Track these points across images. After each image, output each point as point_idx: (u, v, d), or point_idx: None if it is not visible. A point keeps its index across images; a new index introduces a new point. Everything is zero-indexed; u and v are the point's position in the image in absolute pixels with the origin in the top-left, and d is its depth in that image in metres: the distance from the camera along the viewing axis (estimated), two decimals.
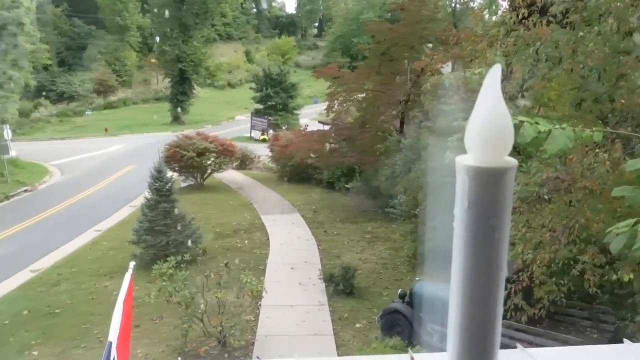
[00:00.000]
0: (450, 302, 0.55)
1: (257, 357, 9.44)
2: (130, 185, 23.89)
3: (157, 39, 49.14)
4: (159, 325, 10.64)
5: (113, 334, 3.62)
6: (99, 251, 16.43)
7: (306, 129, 26.21)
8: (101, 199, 23.22)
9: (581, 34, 6.07)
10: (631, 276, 6.14)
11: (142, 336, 10.31)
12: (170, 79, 49.24)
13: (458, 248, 0.54)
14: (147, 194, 15.15)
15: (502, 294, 0.54)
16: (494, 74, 0.53)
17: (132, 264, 4.64)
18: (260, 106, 42.09)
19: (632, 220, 2.96)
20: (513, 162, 0.53)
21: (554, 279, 7.39)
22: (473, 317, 0.53)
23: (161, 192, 14.64)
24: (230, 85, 66.91)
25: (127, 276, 4.24)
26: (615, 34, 5.54)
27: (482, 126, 0.52)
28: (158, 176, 14.75)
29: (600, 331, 9.40)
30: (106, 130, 43.41)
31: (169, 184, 14.99)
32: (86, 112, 51.44)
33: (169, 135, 29.07)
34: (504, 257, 0.53)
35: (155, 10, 47.91)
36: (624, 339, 1.93)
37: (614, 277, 6.68)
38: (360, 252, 15.31)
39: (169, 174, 16.98)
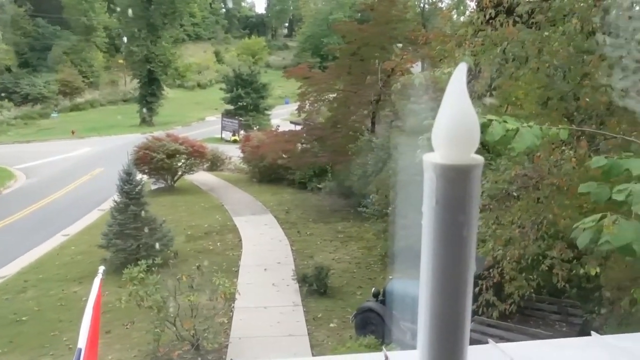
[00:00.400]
0: (419, 300, 0.56)
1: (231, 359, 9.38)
2: (99, 189, 23.45)
3: (125, 39, 48.36)
4: (130, 331, 10.46)
5: (82, 341, 3.54)
6: (67, 256, 16.09)
7: (278, 129, 26.11)
8: (69, 203, 22.74)
9: (546, 34, 6.19)
10: (598, 270, 6.29)
11: (114, 342, 10.13)
12: (138, 80, 48.48)
13: (426, 246, 0.54)
14: (116, 197, 14.92)
15: (471, 291, 0.55)
16: (460, 72, 0.54)
17: (101, 268, 4.56)
18: (230, 107, 41.82)
19: (597, 216, 3.03)
20: (480, 159, 0.53)
21: (523, 274, 7.52)
22: (442, 314, 0.54)
23: (131, 195, 14.43)
24: (200, 86, 66.30)
25: (97, 281, 4.16)
26: (579, 33, 5.67)
27: (449, 124, 0.53)
28: (127, 179, 14.54)
29: (569, 324, 9.62)
30: (73, 132, 42.48)
31: (139, 187, 14.79)
32: (52, 115, 50.30)
33: (138, 137, 28.64)
34: (473, 253, 0.54)
35: (122, 10, 47.12)
36: (592, 332, 1.97)
37: (581, 271, 6.82)
38: (334, 251, 15.34)
39: (139, 176, 16.74)
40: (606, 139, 5.88)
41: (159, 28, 47.64)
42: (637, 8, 4.16)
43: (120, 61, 57.21)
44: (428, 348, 0.55)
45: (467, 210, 0.52)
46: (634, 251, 2.84)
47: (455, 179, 0.52)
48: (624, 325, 6.28)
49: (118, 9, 47.98)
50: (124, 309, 9.71)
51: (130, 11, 43.24)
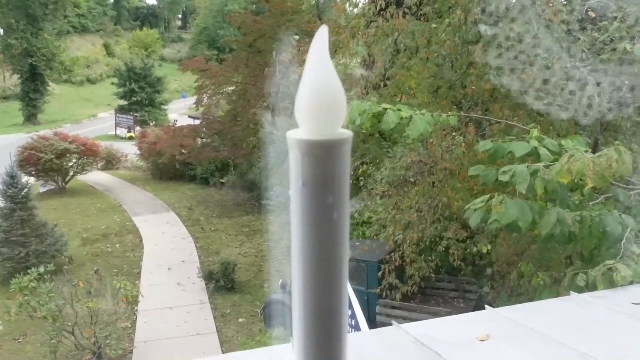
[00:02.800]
0: (293, 288, 0.52)
1: None
2: None
3: (1, 31, 44.58)
4: (23, 344, 9.75)
5: None
6: None
7: (175, 124, 25.27)
8: None
9: (434, 25, 6.48)
10: (489, 248, 6.73)
11: (4, 358, 9.40)
12: (19, 76, 44.93)
13: (296, 232, 0.50)
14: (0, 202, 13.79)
15: (346, 277, 0.51)
16: (320, 39, 0.48)
17: None
18: (124, 102, 39.98)
19: (486, 197, 3.23)
20: (348, 133, 0.49)
21: (423, 256, 7.88)
22: (316, 302, 0.51)
23: (16, 199, 13.39)
24: (90, 81, 62.65)
25: None
26: (463, 25, 5.99)
27: (311, 96, 0.48)
28: (11, 182, 13.47)
29: (466, 300, 10.22)
30: None
31: (25, 190, 13.74)
32: None
33: (23, 137, 26.60)
34: (346, 238, 0.50)
35: None
36: (486, 306, 2.09)
37: (475, 249, 7.28)
38: (240, 246, 15.19)
39: (25, 179, 15.55)
40: (491, 125, 6.27)
41: (40, 19, 44.37)
42: None
43: None
44: (304, 339, 0.52)
45: (337, 191, 0.48)
46: (519, 228, 3.06)
47: (322, 156, 0.48)
48: (514, 297, 6.75)
49: None
50: (14, 322, 9.04)
51: (5, 0, 39.90)
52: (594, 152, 3.12)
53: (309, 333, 0.52)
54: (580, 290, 2.62)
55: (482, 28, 4.12)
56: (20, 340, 9.80)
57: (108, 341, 9.06)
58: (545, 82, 3.93)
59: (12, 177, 13.57)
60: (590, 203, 3.44)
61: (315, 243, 0.50)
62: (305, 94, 0.48)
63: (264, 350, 1.79)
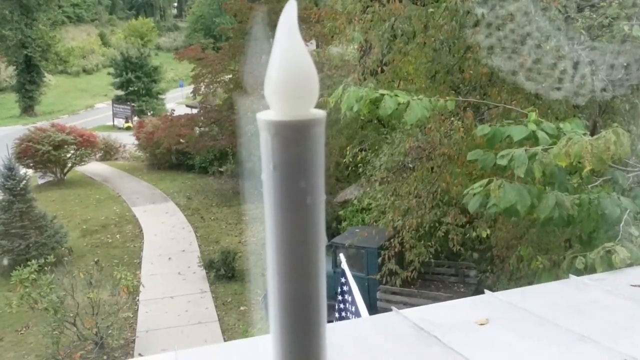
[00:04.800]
0: (267, 277, 0.50)
1: (139, 354, 9.08)
2: None
3: None
4: (25, 336, 9.79)
5: None
6: None
7: (173, 113, 25.17)
8: None
9: (431, 10, 6.42)
10: (488, 232, 6.73)
11: (6, 350, 9.44)
12: (15, 67, 44.63)
13: (269, 218, 0.47)
14: None
15: (323, 264, 0.49)
16: (289, 13, 0.45)
17: None
18: (121, 92, 39.73)
19: (485, 181, 3.22)
20: (321, 113, 0.46)
21: (422, 241, 7.89)
22: (291, 291, 0.49)
23: (14, 191, 13.38)
24: (86, 71, 62.22)
25: None
26: (460, 8, 5.93)
27: (280, 74, 0.45)
28: (9, 174, 13.45)
29: (465, 285, 10.27)
30: None
31: (23, 182, 13.74)
32: None
33: (20, 129, 26.51)
34: (321, 223, 0.48)
35: None
36: (485, 290, 2.09)
37: (474, 234, 7.29)
38: (239, 234, 15.22)
39: (23, 171, 15.53)
40: (489, 109, 6.25)
41: (34, 10, 43.96)
42: None
43: None
44: (280, 329, 0.50)
45: (309, 174, 0.46)
46: (517, 212, 3.05)
47: (293, 138, 0.45)
48: (513, 280, 6.78)
49: None
50: (15, 314, 9.08)
51: None
52: (592, 135, 3.11)
53: (285, 321, 0.50)
54: (579, 272, 2.63)
55: (479, 11, 4.08)
56: (22, 332, 9.85)
57: (110, 331, 9.11)
58: (542, 63, 3.91)
59: (10, 169, 13.55)
60: (589, 186, 3.43)
61: (288, 228, 0.47)
62: (273, 71, 0.46)
63: (248, 341, 1.80)
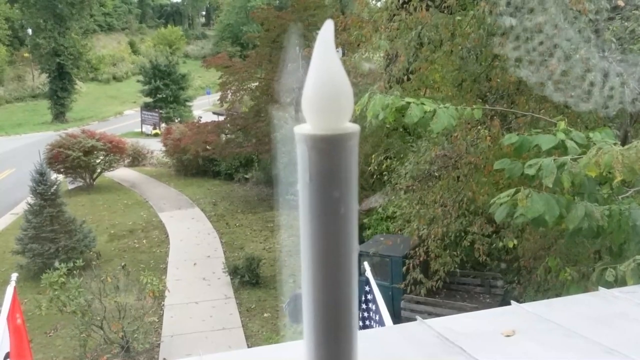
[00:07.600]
0: (302, 285, 0.52)
1: (164, 359, 9.17)
2: (9, 191, 22.02)
3: (29, 31, 45.41)
4: (53, 338, 9.98)
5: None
6: None
7: (200, 120, 25.49)
8: None
9: (458, 18, 6.40)
10: (515, 242, 6.64)
11: (35, 352, 9.60)
12: (47, 75, 45.70)
13: (304, 227, 0.50)
14: (29, 199, 14.09)
15: (355, 271, 0.51)
16: (326, 32, 0.47)
17: (14, 275, 4.29)
18: (149, 99, 40.39)
19: (512, 191, 3.18)
20: (355, 127, 0.49)
21: (447, 251, 7.82)
22: (324, 297, 0.50)
23: (45, 196, 13.68)
24: (116, 78, 63.48)
25: (9, 290, 3.91)
26: (488, 17, 5.90)
27: (317, 90, 0.48)
28: (41, 179, 13.75)
29: (492, 295, 10.12)
30: None
31: (54, 187, 14.03)
32: None
33: (51, 135, 27.10)
34: (354, 233, 0.50)
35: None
36: (512, 301, 2.07)
37: (500, 244, 7.19)
38: (264, 241, 15.28)
39: (54, 176, 15.90)
40: (517, 117, 6.18)
41: (67, 18, 45.04)
42: None
43: (26, 55, 53.58)
44: (313, 336, 0.52)
45: (343, 185, 0.48)
46: (545, 222, 3.01)
47: (328, 150, 0.48)
48: (540, 292, 6.66)
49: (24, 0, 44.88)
50: (44, 316, 9.25)
51: (33, 0, 40.57)
52: (623, 145, 3.05)
53: (318, 328, 0.51)
54: (609, 285, 2.58)
55: (507, 20, 4.06)
56: (50, 334, 10.03)
57: (135, 335, 9.22)
58: (571, 74, 3.86)
59: (42, 174, 13.85)
60: (619, 196, 3.37)
61: (322, 237, 0.50)
62: (309, 88, 0.48)
63: (279, 346, 1.80)
